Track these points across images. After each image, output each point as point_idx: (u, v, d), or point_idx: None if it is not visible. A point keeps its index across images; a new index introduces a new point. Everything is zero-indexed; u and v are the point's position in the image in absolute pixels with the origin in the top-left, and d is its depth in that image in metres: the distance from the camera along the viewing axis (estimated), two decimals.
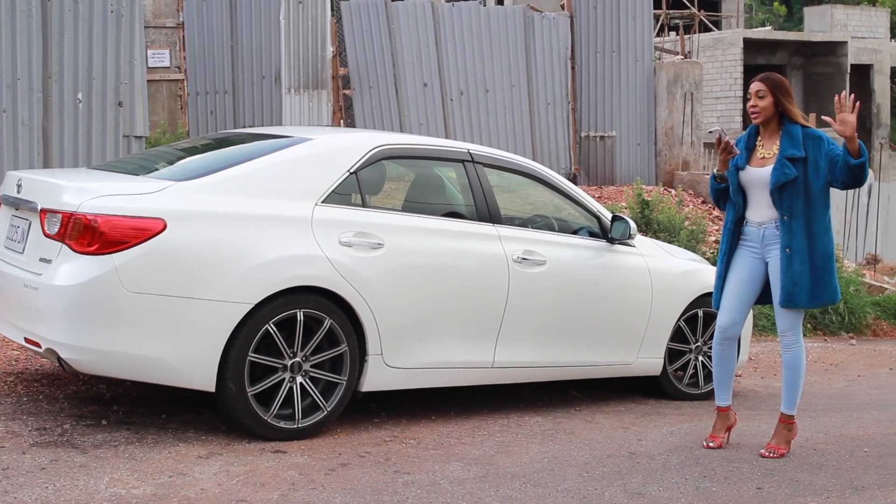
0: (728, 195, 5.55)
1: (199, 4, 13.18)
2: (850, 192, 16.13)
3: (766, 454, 5.47)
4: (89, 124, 8.93)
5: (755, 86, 5.44)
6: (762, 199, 5.42)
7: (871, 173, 5.39)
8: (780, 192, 5.33)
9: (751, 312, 7.08)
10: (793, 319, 5.44)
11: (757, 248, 5.48)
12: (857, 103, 5.18)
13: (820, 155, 5.32)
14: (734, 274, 5.54)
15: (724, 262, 5.59)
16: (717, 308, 5.65)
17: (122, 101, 9.02)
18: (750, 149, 5.50)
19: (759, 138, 5.50)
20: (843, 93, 5.21)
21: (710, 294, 6.46)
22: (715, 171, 5.55)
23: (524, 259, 6.00)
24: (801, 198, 5.32)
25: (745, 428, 6.01)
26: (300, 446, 5.12)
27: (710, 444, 5.59)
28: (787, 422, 5.56)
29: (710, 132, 5.50)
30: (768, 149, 5.43)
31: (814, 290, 5.33)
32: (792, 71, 30.44)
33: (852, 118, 5.15)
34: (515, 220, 6.43)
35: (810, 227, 5.33)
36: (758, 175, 5.41)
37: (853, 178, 5.25)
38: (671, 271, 6.76)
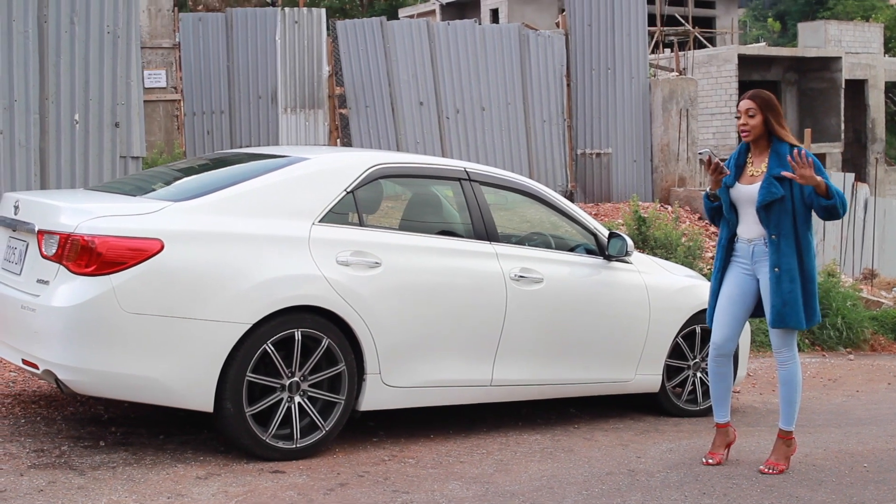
0: (722, 213, 5.57)
1: (195, 25, 13.23)
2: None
3: (766, 470, 5.47)
4: (86, 145, 8.94)
5: (745, 104, 5.46)
6: (751, 216, 5.45)
7: (846, 203, 5.42)
8: (767, 210, 5.35)
9: (748, 328, 7.10)
10: (786, 337, 5.46)
11: (748, 264, 5.50)
12: (810, 159, 5.21)
13: None
14: (726, 291, 5.56)
15: (717, 279, 5.61)
16: (711, 325, 5.66)
17: (118, 122, 9.04)
18: (740, 166, 5.53)
19: (750, 155, 5.53)
20: (795, 151, 5.22)
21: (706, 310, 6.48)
22: (708, 190, 5.58)
23: (521, 277, 6.01)
24: (788, 216, 5.34)
25: (745, 444, 6.00)
26: (299, 466, 5.11)
27: (710, 461, 5.58)
28: (785, 437, 5.55)
29: (700, 153, 5.53)
30: (757, 166, 5.46)
31: (803, 310, 5.35)
32: (787, 87, 30.55)
33: (809, 171, 5.20)
34: (512, 237, 6.44)
35: (798, 245, 5.35)
36: (747, 192, 5.44)
37: (828, 214, 5.34)
38: (668, 288, 6.77)
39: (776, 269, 5.34)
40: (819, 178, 5.23)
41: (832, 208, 5.28)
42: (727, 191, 5.50)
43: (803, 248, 5.37)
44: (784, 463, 5.53)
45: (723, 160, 5.56)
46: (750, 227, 5.48)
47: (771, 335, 5.51)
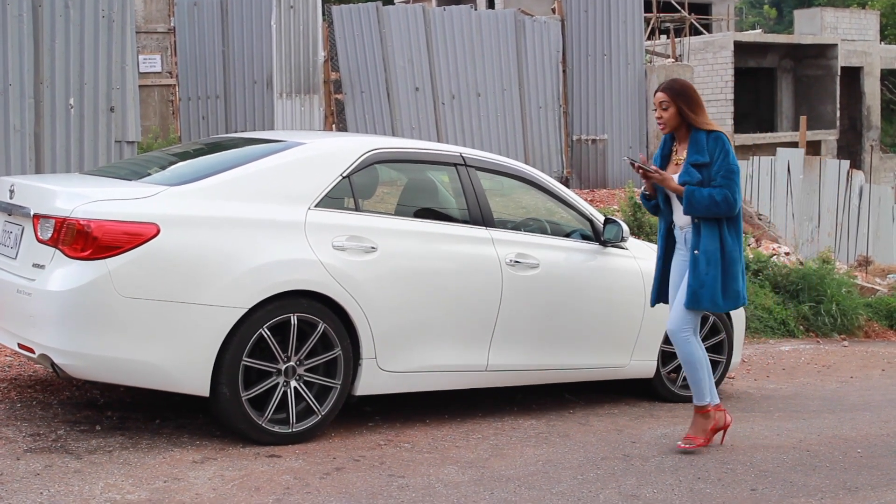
0: (660, 207, 5.66)
1: (190, 10, 13.19)
2: (841, 193, 16.19)
3: (683, 445, 5.49)
4: (81, 130, 8.93)
5: (658, 96, 5.54)
6: (679, 204, 5.51)
7: (720, 204, 5.48)
8: None
9: (742, 314, 7.11)
10: (691, 318, 5.50)
11: (684, 251, 5.60)
12: (650, 171, 5.43)
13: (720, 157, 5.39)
14: (672, 279, 5.67)
15: (659, 267, 5.74)
16: (653, 305, 5.82)
17: (113, 107, 9.02)
18: (666, 156, 5.65)
19: (674, 145, 5.61)
20: (637, 164, 5.40)
21: None
22: (644, 191, 5.67)
23: (517, 262, 6.01)
24: None
25: (739, 429, 6.02)
26: (295, 450, 5.12)
27: (685, 445, 5.54)
28: (702, 412, 5.58)
29: (624, 159, 5.63)
30: (681, 155, 5.56)
31: (719, 293, 5.38)
32: (782, 74, 30.54)
33: (656, 176, 5.42)
34: (508, 223, 6.44)
35: (720, 230, 5.40)
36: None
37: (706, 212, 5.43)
38: None
39: (695, 252, 5.42)
40: (672, 184, 5.40)
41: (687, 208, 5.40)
42: None
43: (726, 231, 5.42)
44: (702, 436, 5.56)
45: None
46: (681, 215, 5.56)
47: (674, 315, 5.51)
